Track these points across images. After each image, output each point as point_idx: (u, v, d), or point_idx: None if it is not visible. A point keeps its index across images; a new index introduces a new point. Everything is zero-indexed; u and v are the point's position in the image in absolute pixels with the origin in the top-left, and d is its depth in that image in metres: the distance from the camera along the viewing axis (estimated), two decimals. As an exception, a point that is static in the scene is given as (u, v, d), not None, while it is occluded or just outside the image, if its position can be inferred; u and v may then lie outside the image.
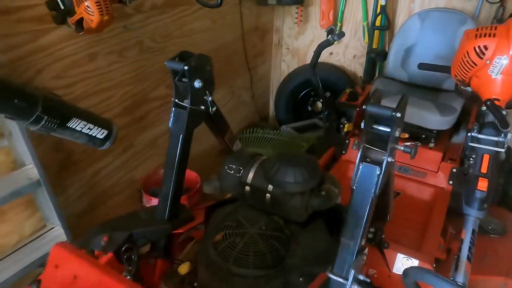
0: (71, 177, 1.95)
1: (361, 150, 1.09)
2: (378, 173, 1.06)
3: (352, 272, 1.09)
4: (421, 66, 2.10)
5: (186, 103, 1.39)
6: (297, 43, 3.28)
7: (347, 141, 2.37)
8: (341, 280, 1.12)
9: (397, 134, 1.08)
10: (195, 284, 1.41)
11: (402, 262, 1.68)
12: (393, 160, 1.11)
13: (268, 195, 1.37)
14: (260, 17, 3.11)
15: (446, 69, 1.81)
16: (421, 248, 1.74)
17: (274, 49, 3.33)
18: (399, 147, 1.10)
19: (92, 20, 1.53)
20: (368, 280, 1.18)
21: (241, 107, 3.21)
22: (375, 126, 1.07)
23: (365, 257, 1.16)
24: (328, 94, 3.17)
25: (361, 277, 1.15)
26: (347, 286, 1.11)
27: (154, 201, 2.15)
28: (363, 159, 1.09)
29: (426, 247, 1.73)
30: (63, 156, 1.89)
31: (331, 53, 3.18)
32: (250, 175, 1.40)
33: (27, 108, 1.35)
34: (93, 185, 2.08)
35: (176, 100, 1.40)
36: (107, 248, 1.33)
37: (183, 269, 1.43)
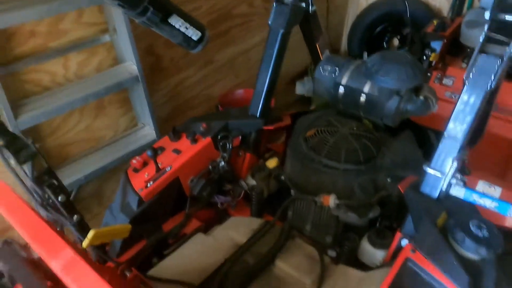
0: (160, 82, 2.07)
1: (481, 40, 1.04)
2: (498, 65, 1.02)
3: (455, 164, 1.09)
4: None
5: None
6: (380, -28, 3.08)
7: (429, 74, 2.26)
8: (439, 174, 1.13)
9: None
10: (282, 177, 1.49)
11: (483, 189, 1.65)
12: None
13: (363, 95, 1.37)
14: None
15: None
16: (505, 179, 1.69)
17: (354, -22, 3.17)
18: None
19: None
20: (465, 179, 1.17)
21: (314, 37, 3.14)
22: (503, 14, 1.01)
23: (466, 155, 1.14)
24: (407, 31, 3.03)
25: (459, 176, 1.15)
26: (445, 180, 1.11)
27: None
28: (482, 50, 1.05)
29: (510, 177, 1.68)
30: (153, 60, 2.00)
31: (415, -15, 2.97)
32: (346, 76, 1.40)
33: (137, -4, 1.41)
34: (177, 94, 2.19)
35: (279, -4, 1.40)
36: (206, 133, 1.42)
37: (271, 163, 1.50)
